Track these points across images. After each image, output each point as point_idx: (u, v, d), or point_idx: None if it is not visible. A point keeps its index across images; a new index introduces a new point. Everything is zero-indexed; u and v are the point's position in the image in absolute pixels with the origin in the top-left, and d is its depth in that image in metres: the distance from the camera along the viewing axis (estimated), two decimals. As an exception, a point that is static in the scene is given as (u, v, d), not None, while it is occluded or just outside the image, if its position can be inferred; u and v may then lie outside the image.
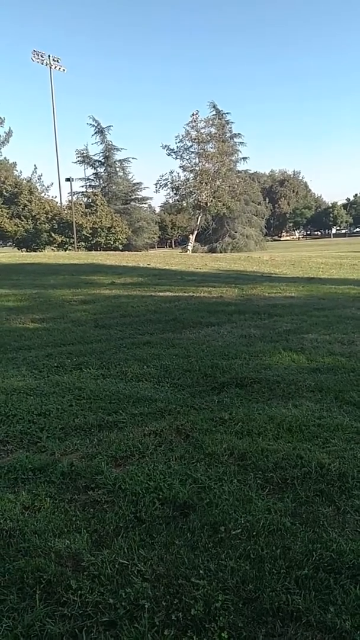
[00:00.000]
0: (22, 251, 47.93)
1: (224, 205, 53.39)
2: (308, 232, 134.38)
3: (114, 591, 2.29)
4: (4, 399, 4.75)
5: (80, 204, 53.74)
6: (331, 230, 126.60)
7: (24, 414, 4.39)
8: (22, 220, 49.61)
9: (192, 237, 56.00)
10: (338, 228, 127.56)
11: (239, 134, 61.68)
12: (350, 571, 2.39)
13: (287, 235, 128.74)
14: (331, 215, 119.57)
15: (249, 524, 2.75)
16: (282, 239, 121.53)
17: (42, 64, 60.74)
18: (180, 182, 52.39)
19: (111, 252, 40.92)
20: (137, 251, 47.25)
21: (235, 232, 67.36)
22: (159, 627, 2.08)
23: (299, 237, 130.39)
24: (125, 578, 2.37)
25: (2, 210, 50.33)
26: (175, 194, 53.88)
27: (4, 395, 4.88)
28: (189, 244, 55.16)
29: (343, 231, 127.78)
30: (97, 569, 2.42)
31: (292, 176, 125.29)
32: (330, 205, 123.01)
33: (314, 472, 3.29)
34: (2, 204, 50.92)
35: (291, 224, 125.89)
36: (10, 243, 55.35)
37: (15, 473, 3.36)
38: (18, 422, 4.25)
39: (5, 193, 51.32)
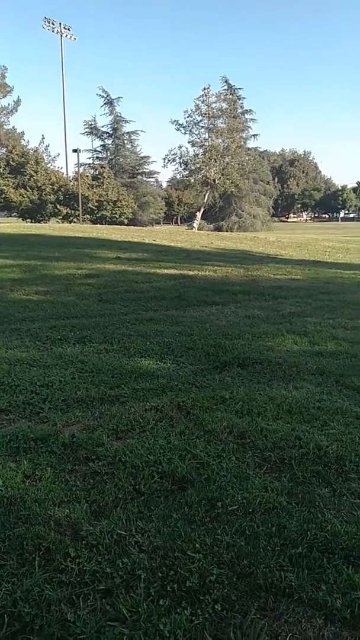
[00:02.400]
0: (26, 222, 47.71)
1: (232, 183, 52.91)
2: (316, 215, 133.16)
3: (112, 561, 2.34)
4: (7, 369, 4.78)
5: (87, 176, 53.34)
6: (339, 213, 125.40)
7: (26, 385, 4.43)
8: (28, 191, 49.31)
9: (198, 215, 55.59)
10: (346, 212, 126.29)
11: (250, 110, 60.81)
12: (344, 552, 2.43)
13: (294, 217, 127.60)
14: (340, 198, 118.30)
15: (245, 501, 2.79)
16: (289, 220, 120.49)
17: (53, 31, 59.76)
18: (189, 158, 51.83)
19: (116, 226, 40.70)
20: (143, 226, 46.97)
21: (242, 211, 66.85)
22: (154, 597, 2.13)
23: (306, 219, 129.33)
24: (123, 548, 2.42)
25: (7, 180, 49.98)
26: (183, 169, 53.35)
27: (7, 365, 4.91)
28: (195, 221, 54.75)
29: (351, 215, 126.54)
30: (96, 538, 2.47)
31: (302, 156, 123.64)
32: (340, 188, 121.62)
33: (312, 454, 3.32)
34: (8, 173, 50.54)
35: (299, 206, 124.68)
36: (15, 213, 55.09)
37: (17, 442, 3.41)
38: (21, 392, 4.29)
39: (12, 162, 50.90)
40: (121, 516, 2.64)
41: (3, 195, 50.26)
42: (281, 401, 4.17)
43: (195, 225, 53.86)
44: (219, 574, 2.26)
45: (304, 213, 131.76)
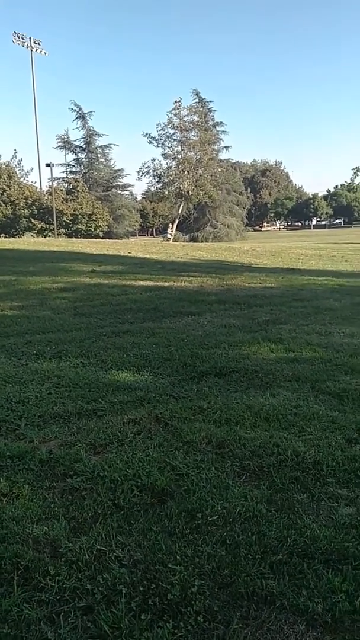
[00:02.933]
0: (0, 237, 47.27)
1: (205, 194, 53.44)
2: (289, 223, 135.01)
3: (92, 577, 2.31)
4: (-19, 387, 4.71)
5: (61, 190, 53.14)
6: (312, 221, 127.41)
7: (2, 402, 4.37)
8: (1, 206, 48.86)
9: (173, 226, 55.95)
10: (318, 219, 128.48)
11: (221, 122, 61.42)
12: (323, 556, 2.45)
13: (268, 226, 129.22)
14: (312, 206, 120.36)
15: (225, 510, 2.79)
16: (263, 229, 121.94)
17: (23, 46, 59.72)
18: (162, 170, 52.21)
19: (92, 239, 40.58)
20: (118, 239, 46.96)
21: (217, 222, 67.36)
22: (136, 612, 2.12)
23: (279, 228, 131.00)
24: (103, 564, 2.39)
25: (-20, 195, 49.45)
26: (157, 181, 53.71)
27: (-18, 382, 4.84)
28: (169, 232, 54.96)
29: (323, 222, 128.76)
30: (75, 555, 2.44)
31: (274, 166, 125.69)
32: (311, 196, 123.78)
33: (290, 460, 3.35)
34: (-20, 188, 50.01)
35: (272, 215, 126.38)
36: (-12, 228, 54.49)
37: (-7, 460, 3.35)
38: (-4, 409, 4.22)
39: (-17, 177, 50.42)
40: (101, 531, 2.62)
41: (-25, 211, 49.71)
42: (259, 409, 4.19)
43: (169, 236, 54.08)
44: (201, 585, 2.25)
45: (277, 222, 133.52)
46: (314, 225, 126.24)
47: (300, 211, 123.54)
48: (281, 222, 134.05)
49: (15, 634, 2.02)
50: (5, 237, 45.08)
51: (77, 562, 2.39)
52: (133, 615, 2.10)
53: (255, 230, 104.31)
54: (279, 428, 3.87)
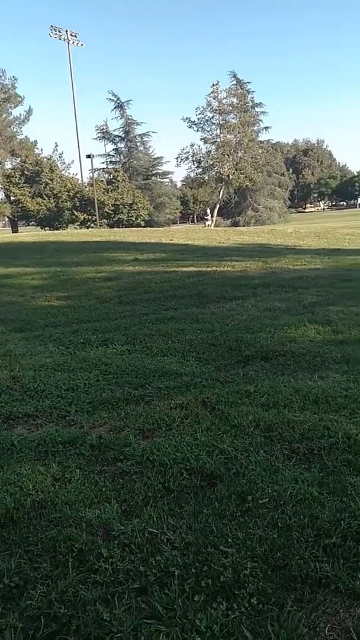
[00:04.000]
0: (45, 230, 48.25)
1: (246, 177, 52.71)
2: (333, 203, 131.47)
3: (144, 559, 2.34)
4: (32, 375, 4.83)
5: (102, 181, 53.62)
6: (357, 200, 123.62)
7: (52, 389, 4.47)
8: (44, 199, 49.81)
9: (214, 211, 55.48)
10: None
11: (260, 103, 60.27)
12: (379, 539, 2.39)
13: (311, 207, 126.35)
14: (357, 184, 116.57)
15: (276, 493, 2.76)
16: (306, 210, 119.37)
17: (60, 39, 60.15)
18: (201, 155, 51.90)
19: (133, 228, 40.83)
20: (159, 227, 47.03)
21: (258, 205, 66.41)
22: (189, 593, 2.13)
23: (323, 208, 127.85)
24: (155, 546, 2.42)
25: (24, 190, 50.57)
26: (197, 167, 53.40)
27: (32, 371, 4.96)
28: (209, 218, 54.59)
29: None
30: (127, 537, 2.47)
31: (316, 145, 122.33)
32: (355, 174, 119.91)
33: (341, 443, 3.28)
34: (24, 183, 51.14)
35: (315, 195, 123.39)
36: (33, 222, 55.76)
37: (45, 446, 3.44)
38: (47, 396, 4.33)
39: (26, 172, 51.49)
40: (152, 514, 2.64)
41: (20, 205, 50.90)
42: (307, 392, 4.12)
43: (209, 222, 53.73)
44: (253, 568, 2.24)
45: (321, 202, 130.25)
46: (359, 204, 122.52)
47: (344, 190, 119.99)
48: (325, 203, 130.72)
49: (72, 613, 2.07)
50: (49, 230, 46.01)
51: (130, 545, 2.43)
52: (186, 597, 2.11)
53: (298, 212, 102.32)
54: (328, 411, 3.79)
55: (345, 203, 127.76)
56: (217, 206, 56.58)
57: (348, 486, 2.82)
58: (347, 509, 2.61)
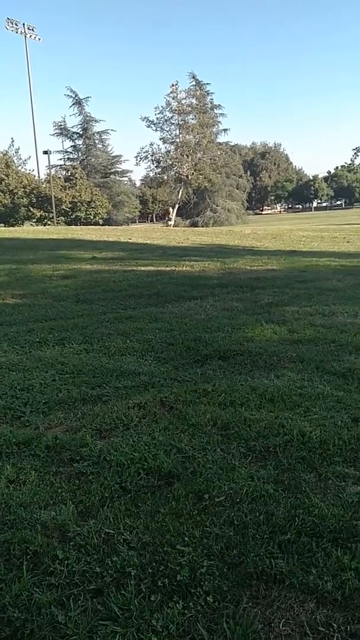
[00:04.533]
0: None
1: (205, 178, 53.05)
2: (289, 206, 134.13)
3: (101, 560, 2.31)
4: (-15, 375, 4.71)
5: (59, 178, 52.81)
6: (312, 203, 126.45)
7: (6, 389, 4.36)
8: (0, 195, 48.62)
9: (173, 211, 55.56)
10: (319, 201, 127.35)
11: (219, 105, 60.79)
12: (332, 535, 2.45)
13: (268, 209, 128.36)
14: (312, 188, 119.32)
15: (232, 491, 2.79)
16: (263, 212, 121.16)
17: (17, 32, 58.98)
18: (161, 155, 51.86)
19: (91, 226, 40.41)
20: (118, 226, 46.73)
21: (217, 206, 66.94)
22: (146, 593, 2.12)
23: (280, 211, 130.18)
24: (112, 547, 2.39)
25: (-22, 185, 49.19)
26: (156, 166, 53.36)
27: (-14, 371, 4.83)
28: (170, 217, 54.69)
29: (324, 204, 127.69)
30: (83, 539, 2.44)
31: (273, 148, 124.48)
32: (311, 178, 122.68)
33: (296, 440, 3.34)
34: (-22, 178, 49.73)
35: (272, 197, 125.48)
36: (-13, 218, 54.28)
37: (-1, 447, 3.35)
38: (1, 397, 4.22)
39: (-19, 167, 50.12)
40: (108, 515, 2.62)
41: (-26, 201, 49.52)
42: (263, 390, 4.18)
43: (170, 222, 53.82)
44: (209, 566, 2.25)
45: (277, 205, 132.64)
46: (314, 207, 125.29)
47: (300, 193, 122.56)
48: (282, 205, 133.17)
49: (26, 617, 2.02)
50: (4, 227, 44.94)
51: (86, 546, 2.40)
52: (143, 597, 2.10)
53: (256, 214, 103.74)
54: (284, 409, 3.86)
55: (301, 206, 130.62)
56: (177, 206, 56.70)
57: (302, 483, 2.88)
58: (302, 505, 2.66)
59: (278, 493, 2.78)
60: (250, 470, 3.01)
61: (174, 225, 51.45)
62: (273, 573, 2.23)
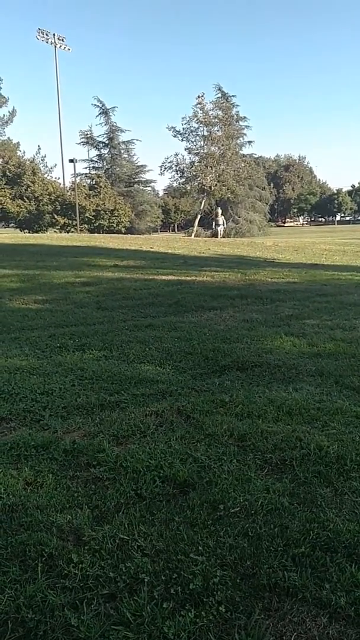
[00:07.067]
0: (24, 232, 47.79)
1: (228, 189, 53.08)
2: (312, 219, 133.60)
3: (114, 565, 2.33)
4: (7, 378, 4.78)
5: (84, 186, 53.42)
6: (335, 217, 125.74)
7: (27, 393, 4.43)
8: (25, 201, 49.41)
9: (194, 222, 55.74)
10: (342, 215, 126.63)
11: (244, 117, 61.00)
12: (346, 550, 2.43)
13: (291, 221, 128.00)
14: (336, 201, 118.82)
15: (247, 502, 2.79)
16: (285, 224, 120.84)
17: (47, 42, 60.30)
18: (185, 165, 52.10)
19: (114, 235, 40.76)
20: (140, 234, 47.03)
21: (239, 217, 66.88)
22: (158, 600, 2.13)
23: (302, 224, 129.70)
24: (126, 553, 2.41)
25: (4, 191, 50.11)
26: (180, 176, 53.60)
27: (7, 374, 4.91)
28: (192, 228, 54.88)
29: (347, 218, 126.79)
30: (98, 543, 2.47)
31: (297, 161, 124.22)
32: (335, 191, 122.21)
33: (313, 454, 3.33)
34: (5, 184, 50.69)
35: (295, 210, 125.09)
36: (12, 224, 55.18)
37: (18, 450, 3.41)
38: (21, 400, 4.29)
39: (8, 173, 51.07)
40: (123, 521, 2.64)
41: (0, 206, 50.41)
42: (281, 403, 4.17)
43: (192, 232, 53.96)
44: (223, 576, 2.26)
45: (300, 217, 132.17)
46: (337, 220, 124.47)
47: (324, 207, 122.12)
48: (304, 218, 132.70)
49: (40, 618, 2.05)
50: (29, 233, 45.61)
51: (100, 551, 2.42)
52: (155, 604, 2.11)
53: (278, 226, 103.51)
54: (301, 422, 3.84)
55: (324, 219, 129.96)
56: (199, 217, 56.82)
57: (318, 497, 2.87)
58: (317, 519, 2.65)
59: (293, 506, 2.77)
60: (265, 482, 3.01)
61: (195, 235, 51.55)
62: (286, 586, 2.22)
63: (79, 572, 2.29)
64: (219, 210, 44.88)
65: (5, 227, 60.50)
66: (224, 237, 41.52)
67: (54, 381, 4.72)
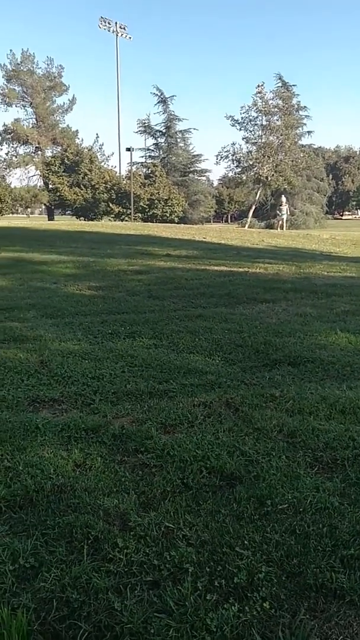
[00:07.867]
0: (80, 220, 48.70)
1: (285, 180, 52.09)
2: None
3: (159, 553, 2.34)
4: (60, 361, 4.89)
5: (140, 175, 53.77)
6: None
7: (78, 376, 4.51)
8: (82, 189, 50.31)
9: (249, 213, 55.13)
10: None
11: (305, 107, 59.41)
12: None
13: (349, 215, 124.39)
14: None
15: (295, 500, 2.73)
16: (344, 217, 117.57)
17: (109, 31, 60.68)
18: (242, 155, 51.49)
19: (167, 224, 40.86)
20: (193, 224, 46.95)
21: (295, 209, 65.45)
22: (202, 592, 2.12)
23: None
24: (170, 541, 2.41)
25: (62, 178, 51.18)
26: (236, 166, 53.03)
27: (61, 357, 5.02)
28: (246, 219, 54.32)
29: None
30: (144, 530, 2.48)
31: (358, 153, 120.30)
32: None
33: (366, 455, 3.22)
34: (63, 171, 51.75)
35: (354, 203, 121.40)
36: (69, 211, 56.34)
37: (68, 432, 3.47)
38: (73, 383, 4.37)
39: (66, 161, 52.07)
40: (169, 509, 2.64)
41: (58, 194, 51.56)
42: (334, 401, 4.06)
43: (246, 223, 53.41)
44: (268, 572, 2.22)
45: (359, 211, 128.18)
46: None
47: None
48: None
49: (84, 600, 2.08)
50: (84, 220, 46.44)
51: (145, 537, 2.43)
52: (199, 595, 2.10)
53: (335, 219, 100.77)
54: (355, 422, 3.73)
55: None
56: (253, 207, 56.12)
57: (370, 499, 2.77)
58: (368, 522, 2.56)
59: (343, 507, 2.69)
60: (315, 480, 2.94)
61: (249, 227, 50.93)
62: (333, 587, 2.16)
63: (123, 557, 2.31)
64: (284, 199, 43.56)
65: (62, 214, 61.87)
66: (281, 228, 40.63)
67: (105, 367, 4.78)
